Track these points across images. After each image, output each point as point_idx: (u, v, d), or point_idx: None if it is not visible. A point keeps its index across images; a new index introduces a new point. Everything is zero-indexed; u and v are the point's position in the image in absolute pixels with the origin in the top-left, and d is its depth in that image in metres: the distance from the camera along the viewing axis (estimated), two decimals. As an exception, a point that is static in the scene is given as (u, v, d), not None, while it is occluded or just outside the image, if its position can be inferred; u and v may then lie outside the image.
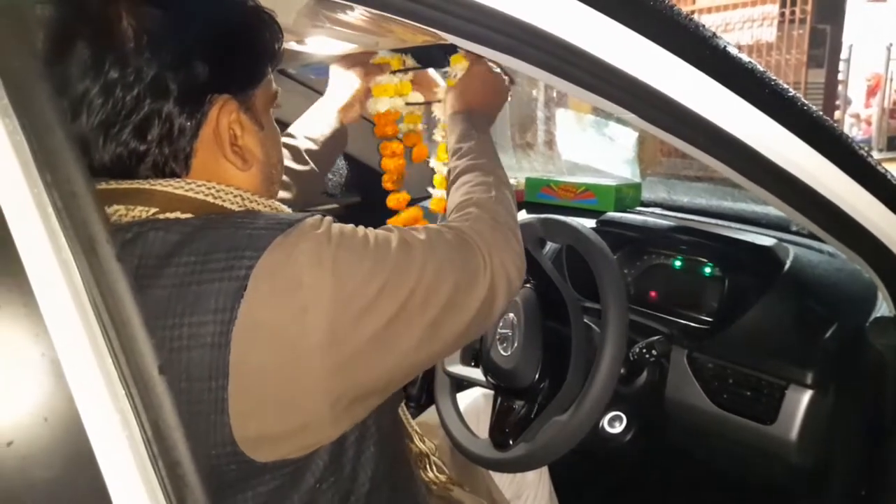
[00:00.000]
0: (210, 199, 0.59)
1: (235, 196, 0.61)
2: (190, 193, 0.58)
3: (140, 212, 0.56)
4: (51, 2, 0.56)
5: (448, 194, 0.85)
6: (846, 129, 9.45)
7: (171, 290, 0.52)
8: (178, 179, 0.59)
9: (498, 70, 1.00)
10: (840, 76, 8.03)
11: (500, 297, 0.68)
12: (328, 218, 0.59)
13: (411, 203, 1.49)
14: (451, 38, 0.63)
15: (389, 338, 0.58)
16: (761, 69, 0.68)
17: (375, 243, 0.59)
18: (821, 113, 0.73)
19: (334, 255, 0.55)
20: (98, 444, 0.34)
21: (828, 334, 0.93)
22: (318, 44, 1.25)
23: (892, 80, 9.44)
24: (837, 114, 8.40)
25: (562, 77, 0.63)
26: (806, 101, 0.72)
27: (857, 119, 9.63)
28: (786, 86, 0.70)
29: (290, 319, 0.53)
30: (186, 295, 0.51)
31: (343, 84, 1.17)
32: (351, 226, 0.60)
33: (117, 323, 0.36)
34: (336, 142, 1.16)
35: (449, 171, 0.88)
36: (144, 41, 0.55)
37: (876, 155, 8.77)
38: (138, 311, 0.37)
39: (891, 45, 9.06)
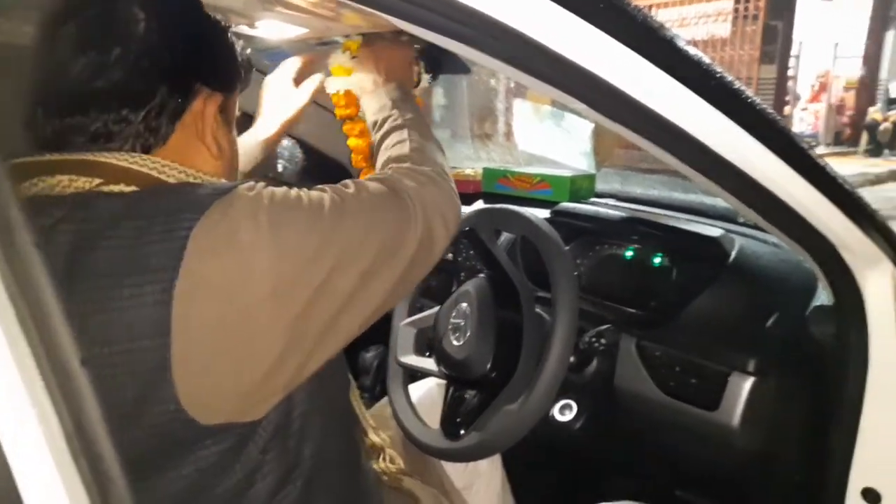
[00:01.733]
0: (154, 173, 0.61)
1: (179, 172, 0.63)
2: (134, 166, 0.60)
3: (84, 182, 0.58)
4: None
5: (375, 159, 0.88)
6: (795, 124, 9.79)
7: (115, 253, 0.53)
8: (122, 152, 0.61)
9: (405, 39, 1.01)
10: (790, 72, 8.28)
11: (439, 237, 0.72)
12: (262, 182, 0.61)
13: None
14: (401, 25, 0.62)
15: (332, 287, 0.60)
16: (707, 61, 0.69)
17: (309, 200, 0.62)
18: (764, 105, 0.75)
19: (269, 212, 0.57)
20: (9, 440, 0.32)
21: (769, 323, 0.96)
22: (270, 28, 1.22)
23: (838, 77, 9.79)
24: (787, 108, 8.66)
25: (515, 67, 0.62)
26: (750, 94, 0.73)
27: (805, 113, 9.96)
28: (731, 78, 0.71)
29: (232, 275, 0.55)
30: (130, 258, 0.53)
31: (283, 108, 1.11)
32: (284, 187, 0.62)
33: (35, 313, 0.35)
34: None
35: (372, 145, 0.91)
36: (150, 27, 0.61)
37: (823, 149, 9.11)
38: (58, 301, 0.35)
39: (837, 43, 9.38)
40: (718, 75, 0.68)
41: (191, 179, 0.63)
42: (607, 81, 0.63)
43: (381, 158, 0.83)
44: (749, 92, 0.73)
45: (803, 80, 9.68)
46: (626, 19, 0.62)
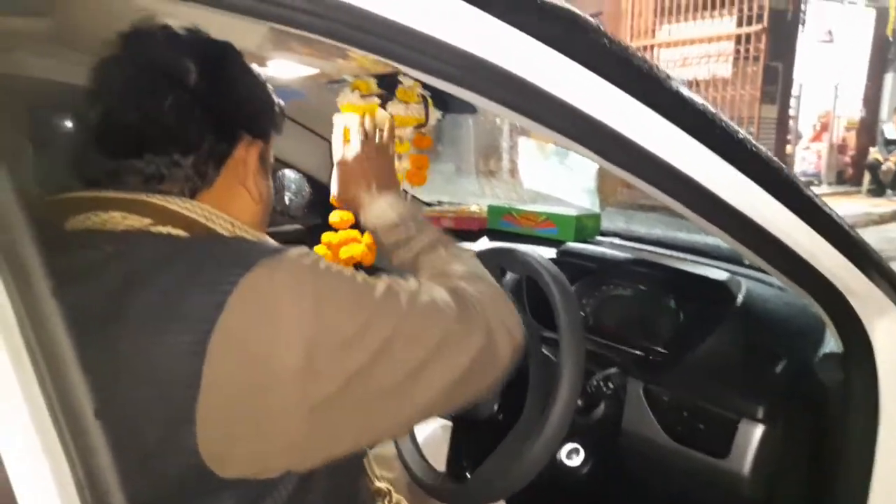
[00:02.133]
0: (202, 220, 0.63)
1: (226, 222, 0.65)
2: (184, 211, 0.62)
3: (135, 220, 0.60)
4: (128, 44, 0.67)
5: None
6: (797, 163, 9.85)
7: (160, 297, 0.53)
8: (174, 196, 0.63)
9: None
10: (791, 112, 8.36)
11: (503, 348, 0.68)
12: (316, 253, 0.61)
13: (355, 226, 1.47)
14: (406, 70, 0.64)
15: (372, 376, 0.57)
16: (713, 110, 0.70)
17: (363, 280, 0.61)
18: (769, 153, 0.75)
19: (316, 283, 0.56)
20: (23, 492, 0.32)
21: (778, 369, 0.95)
22: (282, 67, 1.25)
23: (839, 118, 9.88)
24: (789, 147, 8.73)
25: (519, 112, 0.63)
26: (754, 142, 0.74)
27: (807, 152, 10.03)
28: (736, 127, 0.72)
29: (264, 342, 0.53)
30: (173, 304, 0.53)
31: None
32: (339, 265, 0.61)
33: (51, 362, 0.35)
34: None
35: (395, 258, 0.88)
36: (201, 78, 0.65)
37: (826, 188, 9.14)
38: (74, 351, 0.35)
39: (838, 85, 9.50)
40: (723, 124, 0.70)
41: (237, 231, 0.65)
42: (613, 129, 0.64)
43: (429, 268, 0.81)
44: (752, 140, 0.74)
45: (804, 119, 9.77)
46: (634, 71, 0.63)
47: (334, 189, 1.01)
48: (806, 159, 10.12)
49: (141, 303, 0.53)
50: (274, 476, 0.58)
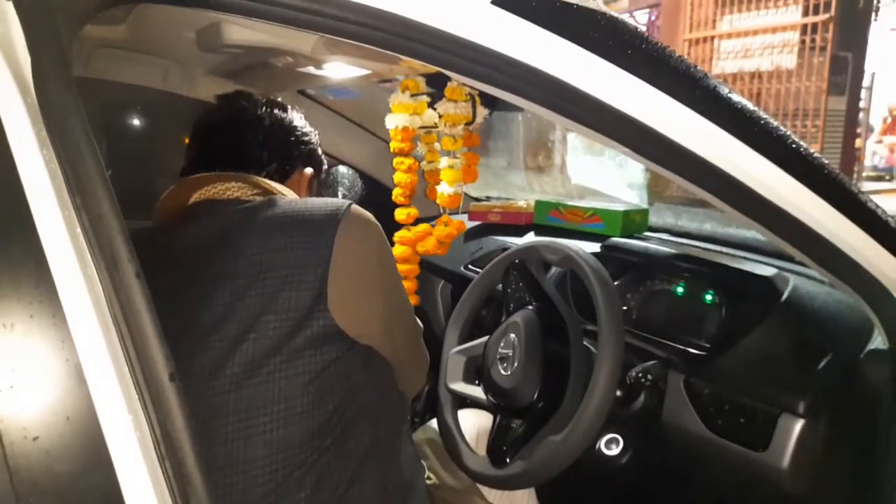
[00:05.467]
0: (290, 194, 0.91)
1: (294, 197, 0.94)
2: (278, 186, 0.90)
3: (247, 190, 0.87)
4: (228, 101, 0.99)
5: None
6: (868, 157, 9.40)
7: (287, 216, 0.79)
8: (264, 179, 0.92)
9: None
10: (862, 104, 7.98)
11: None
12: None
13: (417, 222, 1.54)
14: (455, 76, 0.68)
15: (401, 289, 0.92)
16: (752, 107, 0.71)
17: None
18: (812, 150, 0.76)
19: (380, 236, 0.85)
20: (112, 442, 0.37)
21: (822, 364, 0.95)
22: (335, 68, 1.31)
23: (914, 108, 9.37)
24: (858, 141, 8.33)
25: (563, 115, 0.66)
26: (796, 139, 0.74)
27: (879, 146, 9.55)
28: (776, 123, 0.72)
29: (366, 241, 0.82)
30: (302, 218, 0.79)
31: None
32: None
33: (134, 334, 0.40)
34: None
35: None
36: (272, 125, 0.98)
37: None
38: (154, 323, 0.41)
39: (914, 73, 9.00)
40: (761, 120, 0.71)
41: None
42: (655, 129, 0.66)
43: None
44: (795, 137, 0.74)
45: (876, 111, 9.31)
46: (673, 72, 0.65)
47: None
48: (877, 153, 9.65)
49: (277, 218, 0.78)
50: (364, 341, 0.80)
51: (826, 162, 0.77)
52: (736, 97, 0.70)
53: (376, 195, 1.90)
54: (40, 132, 0.39)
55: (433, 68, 1.16)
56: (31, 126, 0.39)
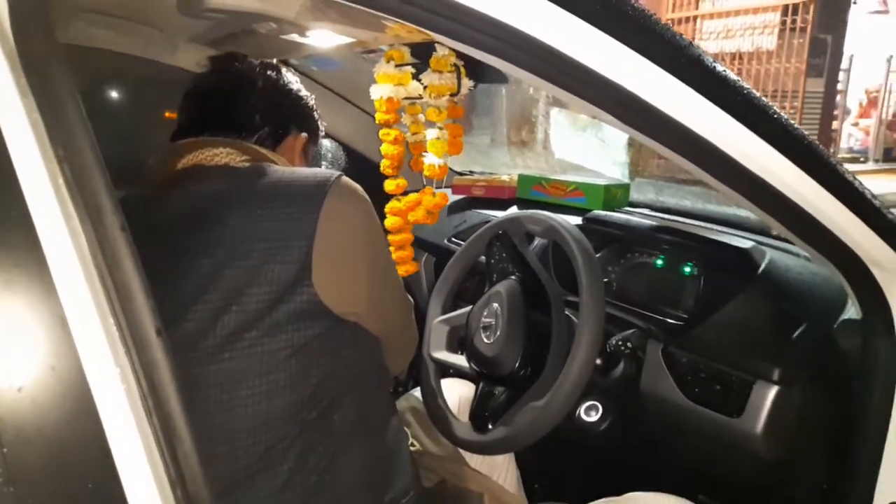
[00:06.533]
0: (281, 163, 0.89)
1: (285, 164, 0.92)
2: (270, 155, 0.89)
3: (236, 156, 0.84)
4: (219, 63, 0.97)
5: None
6: (844, 139, 9.53)
7: (274, 187, 0.78)
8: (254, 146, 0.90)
9: None
10: (840, 86, 8.07)
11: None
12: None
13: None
14: (440, 39, 0.67)
15: (389, 261, 0.94)
16: (734, 78, 0.72)
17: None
18: (792, 122, 0.77)
19: (369, 210, 0.84)
20: (99, 393, 0.37)
21: (796, 334, 0.97)
22: (319, 36, 1.29)
23: (891, 92, 9.50)
24: (836, 123, 8.44)
25: (548, 81, 0.66)
26: (778, 111, 0.75)
27: (854, 128, 9.69)
28: (758, 94, 0.73)
29: (353, 212, 0.81)
30: (288, 189, 0.77)
31: None
32: None
33: (119, 287, 0.40)
34: None
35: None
36: (265, 87, 0.95)
37: (872, 165, 8.84)
38: (140, 277, 0.40)
39: (891, 56, 9.11)
40: (744, 91, 0.71)
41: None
42: (638, 96, 0.66)
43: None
44: (776, 108, 0.75)
45: (853, 94, 9.42)
46: (658, 39, 0.65)
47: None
48: (853, 135, 9.78)
49: (263, 188, 0.77)
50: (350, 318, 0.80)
51: (804, 133, 0.78)
52: (720, 67, 0.70)
53: (361, 169, 1.89)
54: (20, 79, 0.38)
55: (418, 37, 1.15)
56: (10, 73, 0.38)
